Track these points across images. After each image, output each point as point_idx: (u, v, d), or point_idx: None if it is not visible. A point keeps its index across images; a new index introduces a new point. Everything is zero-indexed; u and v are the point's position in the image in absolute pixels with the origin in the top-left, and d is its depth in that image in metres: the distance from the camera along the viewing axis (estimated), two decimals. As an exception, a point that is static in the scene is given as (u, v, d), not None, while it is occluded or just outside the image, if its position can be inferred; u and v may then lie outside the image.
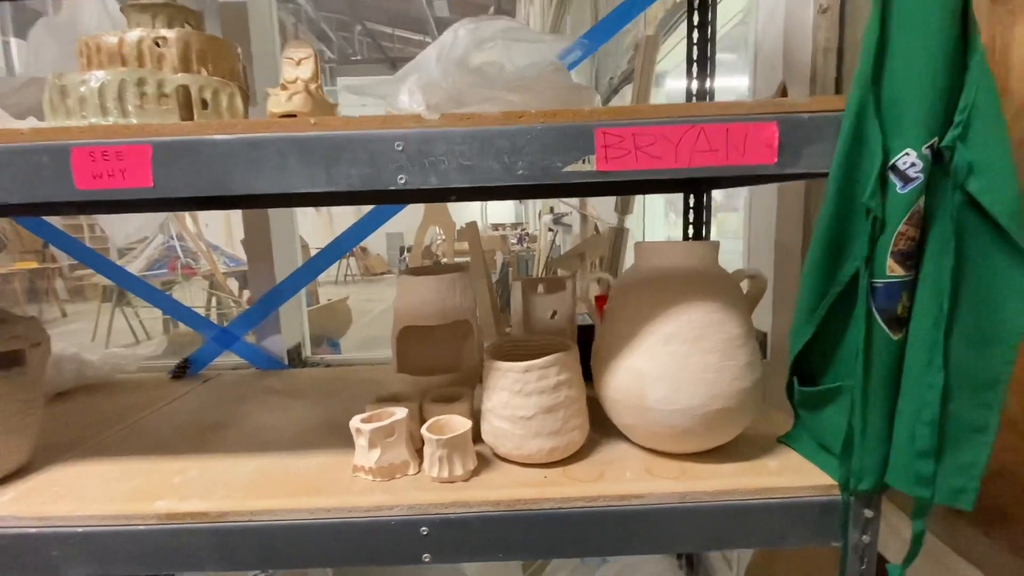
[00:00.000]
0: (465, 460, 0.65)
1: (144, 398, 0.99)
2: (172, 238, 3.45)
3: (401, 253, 8.18)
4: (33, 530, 0.60)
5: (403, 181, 0.53)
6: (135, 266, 3.95)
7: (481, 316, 2.45)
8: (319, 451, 0.74)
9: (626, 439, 0.72)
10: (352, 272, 8.06)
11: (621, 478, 0.64)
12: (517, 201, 11.54)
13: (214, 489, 0.65)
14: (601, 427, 0.74)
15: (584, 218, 2.14)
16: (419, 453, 0.69)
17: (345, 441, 0.67)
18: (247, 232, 1.19)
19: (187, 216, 3.09)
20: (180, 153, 0.53)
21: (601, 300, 1.00)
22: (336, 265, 7.51)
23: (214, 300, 3.87)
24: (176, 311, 1.18)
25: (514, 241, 6.49)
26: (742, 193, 1.58)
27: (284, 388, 1.04)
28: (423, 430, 0.65)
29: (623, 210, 1.46)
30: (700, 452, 0.67)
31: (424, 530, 0.60)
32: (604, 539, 0.60)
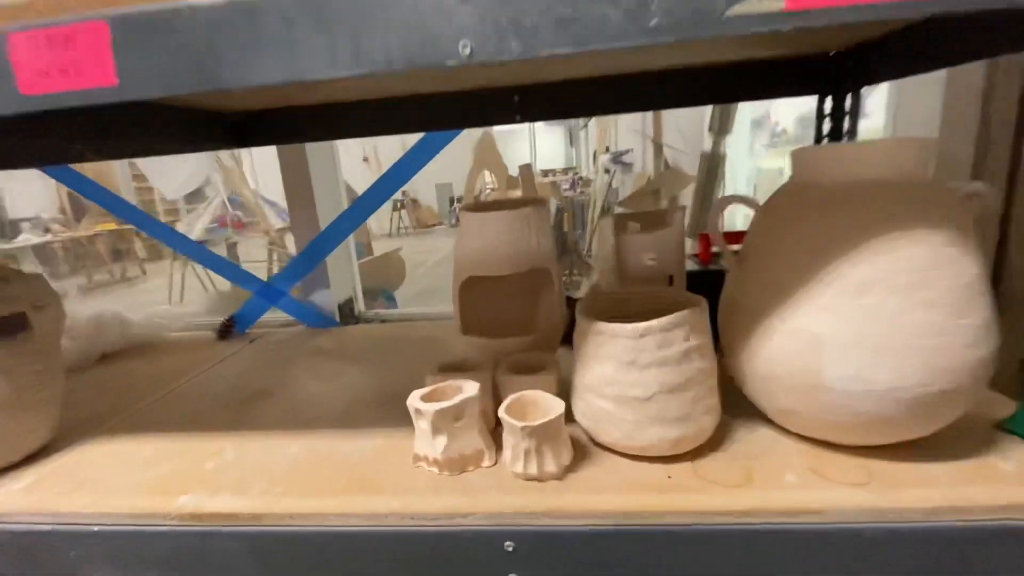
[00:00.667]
0: (559, 453, 0.49)
1: (187, 361, 0.89)
2: (228, 198, 3.46)
3: (451, 204, 8.05)
4: (47, 527, 0.50)
5: (467, 51, 0.34)
6: (200, 224, 4.04)
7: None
8: (373, 430, 0.60)
9: (768, 422, 0.54)
10: (404, 225, 8.04)
11: (779, 482, 0.46)
12: (568, 143, 11.01)
13: (251, 479, 0.53)
14: (730, 407, 0.55)
15: (658, 150, 1.87)
16: (493, 436, 0.54)
17: (403, 417, 0.53)
18: (286, 177, 1.05)
19: (241, 172, 3.04)
20: (147, 30, 0.36)
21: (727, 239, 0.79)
22: (388, 219, 7.51)
23: (275, 256, 3.91)
24: (216, 264, 1.08)
25: (566, 187, 6.17)
26: (878, 94, 1.27)
27: (335, 348, 0.92)
28: (502, 413, 0.49)
29: (720, 129, 1.20)
30: (885, 444, 0.47)
31: (509, 546, 0.45)
32: (762, 572, 0.43)
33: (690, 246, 0.83)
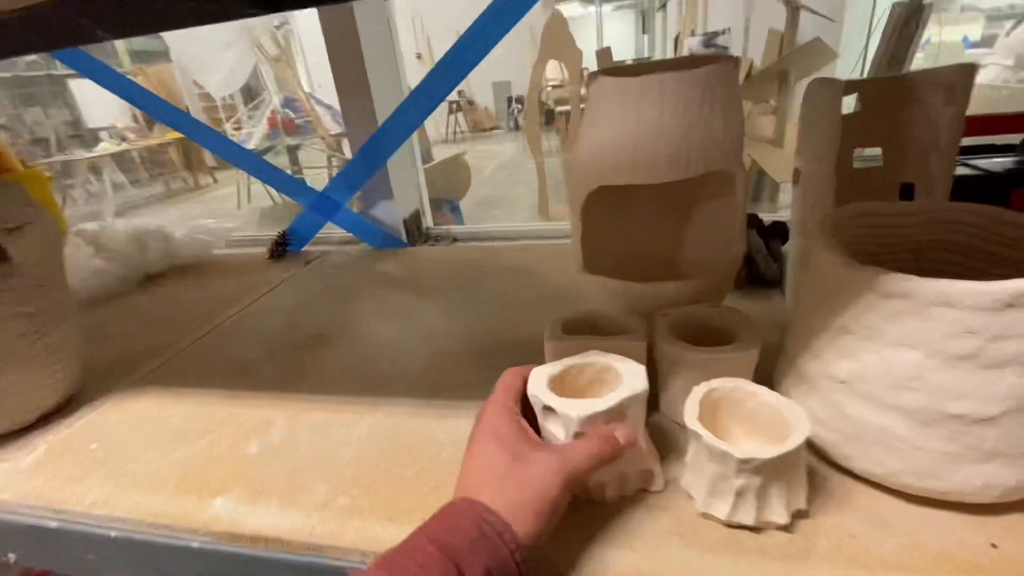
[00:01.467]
0: (793, 493, 0.29)
1: (235, 287, 0.75)
2: (283, 101, 3.24)
3: (509, 105, 7.48)
4: (54, 524, 0.38)
5: None
6: (259, 130, 3.91)
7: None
8: (469, 404, 0.43)
9: None
10: (462, 128, 7.62)
11: None
12: (639, 31, 9.78)
13: (305, 477, 0.37)
14: None
15: (794, 15, 1.44)
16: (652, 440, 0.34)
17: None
18: (333, 57, 0.81)
19: (288, 60, 2.78)
20: None
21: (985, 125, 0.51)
22: (445, 123, 7.12)
23: (334, 162, 3.76)
24: (262, 172, 0.90)
25: (641, 80, 5.45)
26: None
27: (404, 276, 0.75)
28: (693, 423, 0.29)
29: (933, -33, 0.82)
30: None
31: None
32: None
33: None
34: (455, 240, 0.97)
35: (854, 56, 1.79)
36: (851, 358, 0.29)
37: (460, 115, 7.46)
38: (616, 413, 0.29)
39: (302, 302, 0.69)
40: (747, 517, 0.28)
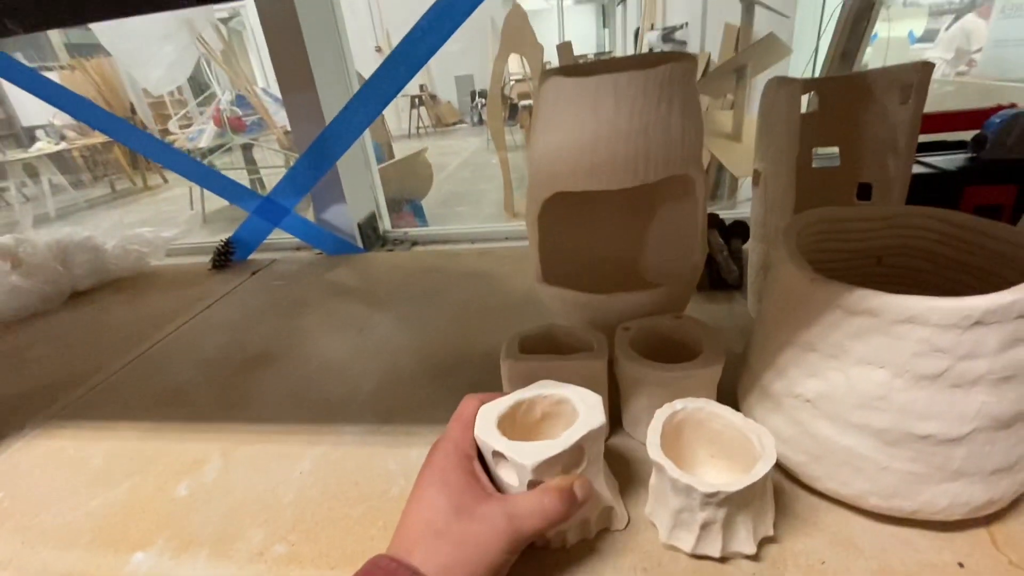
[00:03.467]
0: (760, 520, 0.27)
1: (172, 303, 0.70)
2: (232, 99, 3.06)
3: (472, 99, 7.39)
4: (-56, 594, 0.33)
5: None
6: (210, 128, 3.70)
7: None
8: (424, 429, 0.40)
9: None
10: (424, 123, 7.48)
11: None
12: (600, 25, 9.82)
13: (241, 520, 0.34)
14: None
15: (749, 9, 1.45)
16: (613, 468, 0.32)
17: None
18: (272, 48, 0.76)
19: (232, 53, 2.62)
20: None
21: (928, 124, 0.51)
22: (408, 116, 6.98)
23: (290, 161, 3.60)
24: (202, 177, 0.84)
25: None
26: None
27: (359, 285, 0.71)
28: (657, 456, 0.27)
29: (881, -36, 0.82)
30: None
31: None
32: None
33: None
34: (414, 244, 0.94)
35: (808, 52, 1.83)
36: (816, 376, 0.27)
37: (422, 110, 7.34)
38: (573, 453, 0.27)
39: (245, 317, 0.64)
40: (712, 549, 0.27)
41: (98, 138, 5.23)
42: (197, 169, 0.85)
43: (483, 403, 0.29)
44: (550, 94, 0.38)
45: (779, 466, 0.31)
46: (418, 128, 7.24)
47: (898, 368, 0.24)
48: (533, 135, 0.41)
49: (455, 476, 0.26)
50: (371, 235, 0.91)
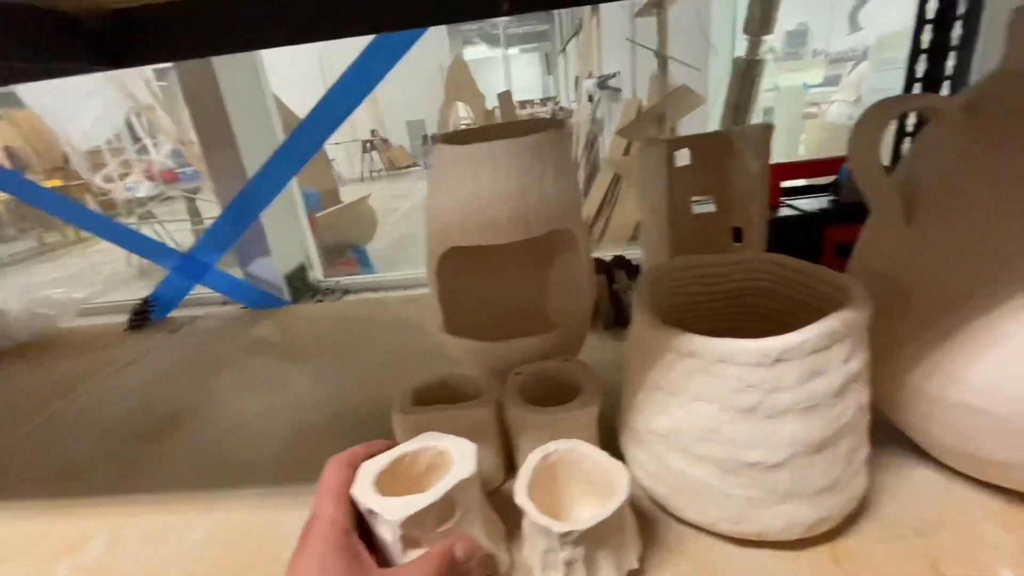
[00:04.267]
0: (622, 555, 0.29)
1: (80, 367, 0.67)
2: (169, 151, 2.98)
3: (424, 142, 7.54)
4: None
5: None
6: (144, 186, 3.56)
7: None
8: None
9: (926, 457, 0.35)
10: (377, 167, 7.54)
11: (1002, 594, 0.27)
12: (545, 71, 10.33)
13: (119, 602, 0.33)
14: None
15: (663, 64, 1.58)
16: (502, 512, 0.34)
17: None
18: (192, 108, 0.77)
19: (164, 109, 2.57)
20: None
21: (778, 170, 0.57)
22: (360, 160, 7.01)
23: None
24: (117, 236, 0.82)
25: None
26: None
27: (280, 340, 0.70)
28: (522, 500, 0.29)
29: (761, 29, 0.93)
30: None
31: None
32: None
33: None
34: (346, 292, 0.94)
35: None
36: (665, 413, 0.30)
37: (375, 154, 7.40)
38: (444, 505, 0.28)
39: (157, 379, 0.62)
40: (580, 588, 0.28)
41: (26, 190, 4.93)
42: (112, 228, 0.83)
43: (350, 464, 0.30)
44: (438, 159, 0.41)
45: (648, 492, 0.33)
46: (371, 172, 7.28)
47: (723, 403, 0.27)
48: (428, 196, 0.43)
49: (333, 561, 0.24)
50: (300, 286, 0.91)
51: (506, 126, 0.45)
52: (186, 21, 0.61)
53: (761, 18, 0.90)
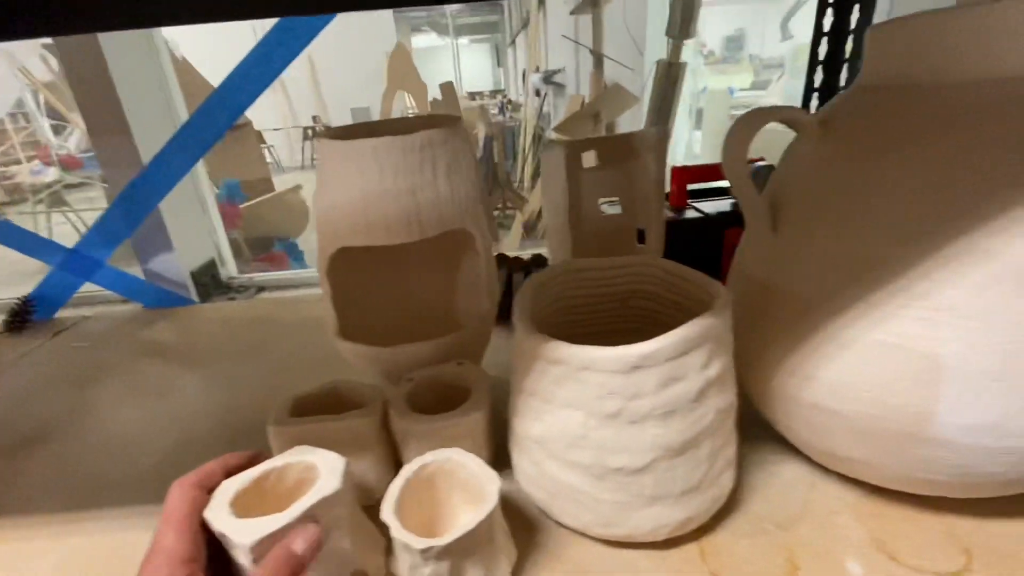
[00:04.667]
0: (493, 565, 0.29)
1: (-63, 377, 0.59)
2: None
3: (370, 131, 7.29)
4: None
5: None
6: (52, 171, 3.22)
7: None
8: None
9: (796, 453, 0.37)
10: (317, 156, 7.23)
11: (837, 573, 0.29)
12: (495, 63, 10.27)
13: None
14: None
15: (599, 63, 1.60)
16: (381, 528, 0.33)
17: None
18: (76, 90, 0.70)
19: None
20: None
21: (684, 173, 0.59)
22: (301, 147, 6.71)
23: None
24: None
25: (495, 111, 5.71)
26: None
27: (176, 343, 0.66)
28: (388, 516, 0.28)
29: (681, 33, 0.96)
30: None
31: None
32: None
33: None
34: (260, 290, 0.89)
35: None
36: (539, 420, 0.30)
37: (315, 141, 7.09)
38: (304, 525, 0.26)
39: (28, 389, 0.56)
40: (448, 602, 0.27)
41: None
42: (-15, 220, 0.74)
43: (201, 485, 0.28)
44: (324, 156, 0.39)
45: (532, 498, 0.33)
46: (313, 160, 6.98)
47: (589, 410, 0.27)
48: (316, 194, 0.41)
49: None
50: (209, 283, 0.85)
51: (399, 122, 0.43)
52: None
53: (681, 22, 0.92)
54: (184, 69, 1.57)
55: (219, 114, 0.65)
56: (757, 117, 0.31)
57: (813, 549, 0.31)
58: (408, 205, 0.38)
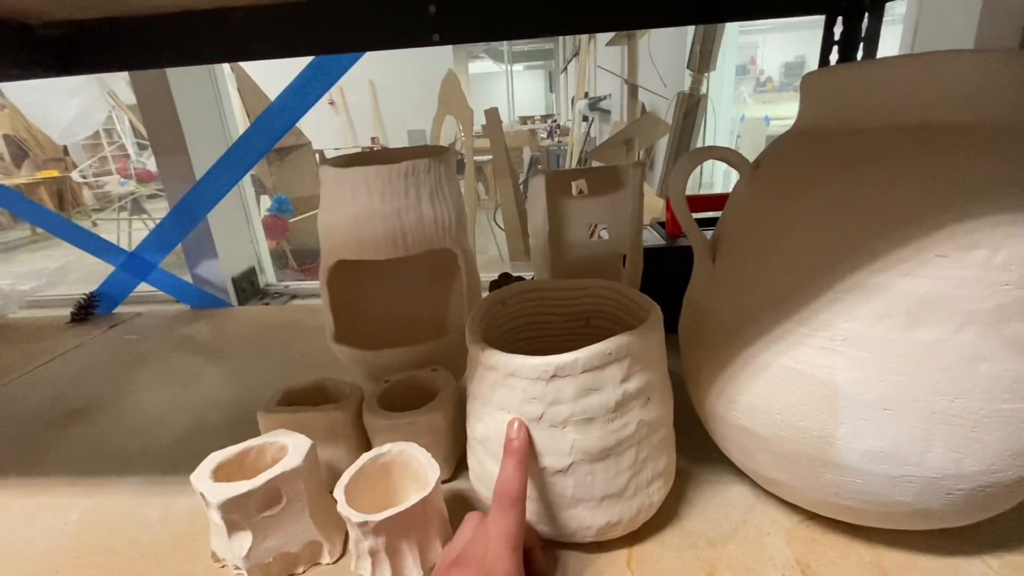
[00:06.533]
0: (427, 549, 0.32)
1: (12, 359, 0.69)
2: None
3: (423, 152, 7.58)
4: None
5: None
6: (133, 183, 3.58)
7: (507, 225, 2.07)
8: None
9: (742, 476, 0.38)
10: (374, 174, 7.57)
11: (756, 598, 0.30)
12: (548, 89, 10.47)
13: (-21, 574, 0.35)
14: (692, 450, 0.39)
15: (633, 92, 1.64)
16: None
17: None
18: (145, 114, 0.81)
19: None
20: None
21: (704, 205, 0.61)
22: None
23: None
24: (69, 234, 0.85)
25: (544, 135, 5.82)
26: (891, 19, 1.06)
27: (209, 340, 0.73)
28: (338, 491, 0.31)
29: (700, 67, 0.98)
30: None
31: None
32: None
33: (661, 210, 0.65)
34: (294, 297, 0.97)
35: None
36: (481, 421, 0.33)
37: (372, 161, 7.41)
38: (268, 492, 0.31)
39: (82, 372, 0.65)
40: (385, 575, 0.31)
41: (22, 179, 4.99)
42: (62, 225, 0.86)
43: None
44: (325, 181, 0.44)
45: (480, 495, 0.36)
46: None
47: (516, 412, 0.30)
48: (319, 213, 0.47)
49: None
50: (247, 289, 0.94)
51: (393, 152, 0.48)
52: (135, 33, 0.65)
53: (701, 56, 0.95)
54: (241, 75, 1.72)
55: (259, 141, 0.73)
56: (693, 158, 0.34)
57: (734, 568, 0.32)
58: (394, 225, 0.43)
